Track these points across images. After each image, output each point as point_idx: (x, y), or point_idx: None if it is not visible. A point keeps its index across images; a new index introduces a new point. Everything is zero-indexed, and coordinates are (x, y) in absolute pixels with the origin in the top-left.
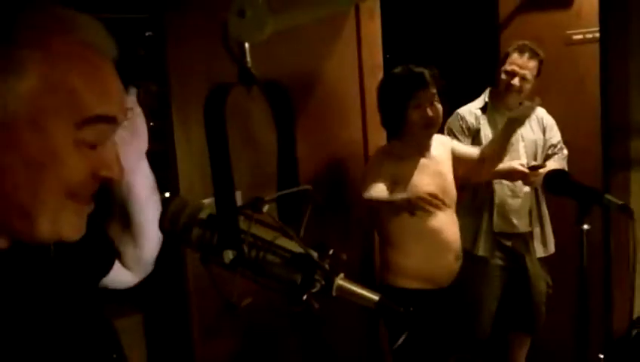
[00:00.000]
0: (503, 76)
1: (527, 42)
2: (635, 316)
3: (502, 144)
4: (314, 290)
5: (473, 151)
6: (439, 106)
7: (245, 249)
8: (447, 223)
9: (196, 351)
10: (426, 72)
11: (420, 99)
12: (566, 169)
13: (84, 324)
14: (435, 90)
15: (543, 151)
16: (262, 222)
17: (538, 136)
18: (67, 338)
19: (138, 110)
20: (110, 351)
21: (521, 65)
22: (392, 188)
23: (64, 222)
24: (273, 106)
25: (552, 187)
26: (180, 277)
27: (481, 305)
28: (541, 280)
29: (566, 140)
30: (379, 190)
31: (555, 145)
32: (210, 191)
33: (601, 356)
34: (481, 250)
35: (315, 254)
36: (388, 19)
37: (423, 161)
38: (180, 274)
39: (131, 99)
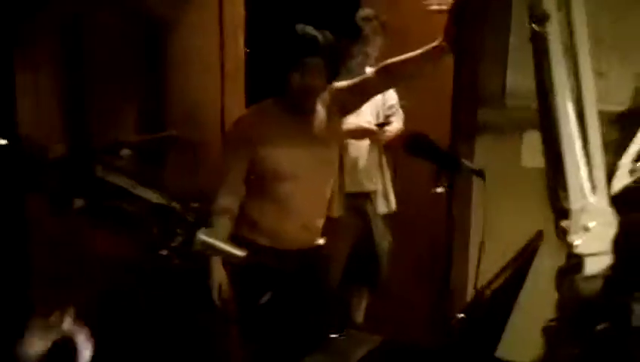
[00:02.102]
0: (359, 57)
1: (380, 19)
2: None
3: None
4: (174, 244)
5: (364, 76)
6: (323, 77)
7: (99, 197)
8: (302, 191)
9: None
10: (320, 38)
11: (305, 66)
12: (402, 128)
13: None
14: (323, 60)
15: (383, 112)
16: (120, 168)
17: (378, 97)
18: None
19: None
20: None
21: (375, 46)
22: (253, 159)
23: None
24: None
25: (413, 149)
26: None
27: (332, 264)
28: (384, 239)
29: (419, 106)
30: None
31: (393, 106)
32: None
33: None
34: (335, 211)
35: (177, 205)
36: None
37: (298, 123)
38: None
39: None
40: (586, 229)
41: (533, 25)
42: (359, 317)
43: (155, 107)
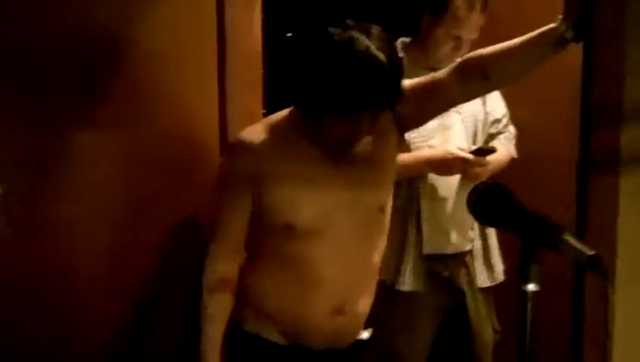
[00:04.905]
0: (448, 44)
1: None
2: None
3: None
4: None
5: (437, 73)
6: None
7: None
8: (333, 255)
9: None
10: (382, 59)
11: (349, 119)
12: (514, 155)
13: None
14: (377, 113)
15: (484, 129)
16: None
17: (477, 107)
18: None
19: None
20: None
21: (472, 26)
22: (259, 203)
23: None
24: None
25: (481, 211)
26: None
27: (406, 359)
28: (486, 325)
29: (531, 121)
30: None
31: (499, 120)
32: None
33: None
34: (408, 284)
35: None
36: None
37: (326, 161)
38: None
39: None
40: None
41: None
42: None
43: None
